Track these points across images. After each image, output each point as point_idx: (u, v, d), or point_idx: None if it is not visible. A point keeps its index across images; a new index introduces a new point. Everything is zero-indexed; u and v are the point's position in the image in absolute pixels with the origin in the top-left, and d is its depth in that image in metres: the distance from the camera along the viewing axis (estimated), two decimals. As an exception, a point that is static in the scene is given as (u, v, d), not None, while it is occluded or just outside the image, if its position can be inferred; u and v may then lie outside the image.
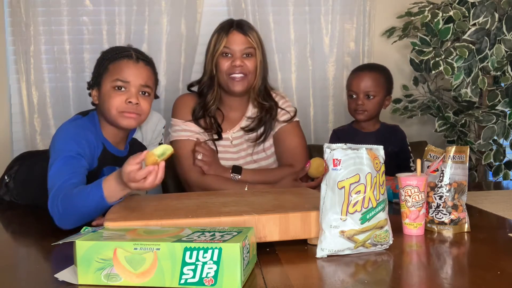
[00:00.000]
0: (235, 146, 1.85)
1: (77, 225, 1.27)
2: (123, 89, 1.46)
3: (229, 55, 1.77)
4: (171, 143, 1.80)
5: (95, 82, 1.51)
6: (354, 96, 2.02)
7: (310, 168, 1.60)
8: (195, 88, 1.89)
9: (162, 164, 1.16)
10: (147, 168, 1.14)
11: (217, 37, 1.79)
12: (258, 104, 1.85)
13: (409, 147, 2.09)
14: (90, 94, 1.54)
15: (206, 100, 1.81)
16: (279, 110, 1.88)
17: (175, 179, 2.03)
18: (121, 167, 1.19)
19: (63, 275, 0.95)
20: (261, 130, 1.86)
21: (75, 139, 1.42)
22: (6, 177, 1.78)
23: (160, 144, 1.66)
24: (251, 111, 1.88)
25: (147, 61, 1.52)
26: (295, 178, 1.73)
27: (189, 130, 1.79)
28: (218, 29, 1.82)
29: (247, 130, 1.85)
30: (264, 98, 1.85)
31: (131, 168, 1.14)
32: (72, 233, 1.00)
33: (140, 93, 1.48)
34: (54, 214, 1.29)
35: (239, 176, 1.75)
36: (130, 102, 1.45)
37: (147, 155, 1.14)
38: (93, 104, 1.55)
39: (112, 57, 1.49)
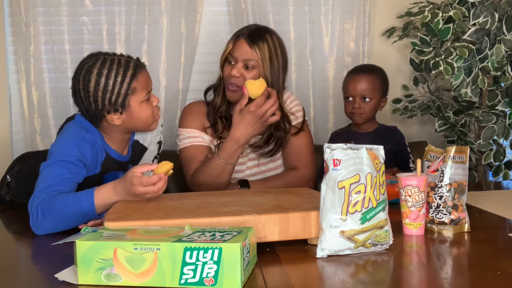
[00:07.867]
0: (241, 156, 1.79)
1: (51, 231, 1.28)
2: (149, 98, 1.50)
3: (232, 62, 1.72)
4: (178, 152, 1.80)
5: (121, 105, 1.43)
6: (351, 98, 2.02)
7: (248, 92, 1.58)
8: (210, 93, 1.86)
9: (166, 176, 1.30)
10: (158, 174, 1.27)
11: (228, 41, 1.76)
12: None
13: (408, 148, 2.09)
14: (99, 118, 1.44)
15: (214, 101, 1.79)
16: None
17: (176, 180, 2.03)
18: (124, 175, 1.28)
19: (63, 275, 0.96)
20: (270, 147, 1.78)
21: (79, 143, 1.41)
22: (8, 177, 1.78)
23: (158, 142, 1.68)
24: None
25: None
26: (240, 109, 1.60)
27: (192, 137, 1.77)
28: (233, 34, 1.78)
29: (254, 146, 1.78)
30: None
31: (138, 174, 1.25)
32: (73, 233, 1.00)
33: None
34: (30, 214, 1.30)
35: (248, 189, 1.72)
36: (157, 106, 1.53)
37: (161, 164, 1.30)
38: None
39: (132, 74, 1.44)
